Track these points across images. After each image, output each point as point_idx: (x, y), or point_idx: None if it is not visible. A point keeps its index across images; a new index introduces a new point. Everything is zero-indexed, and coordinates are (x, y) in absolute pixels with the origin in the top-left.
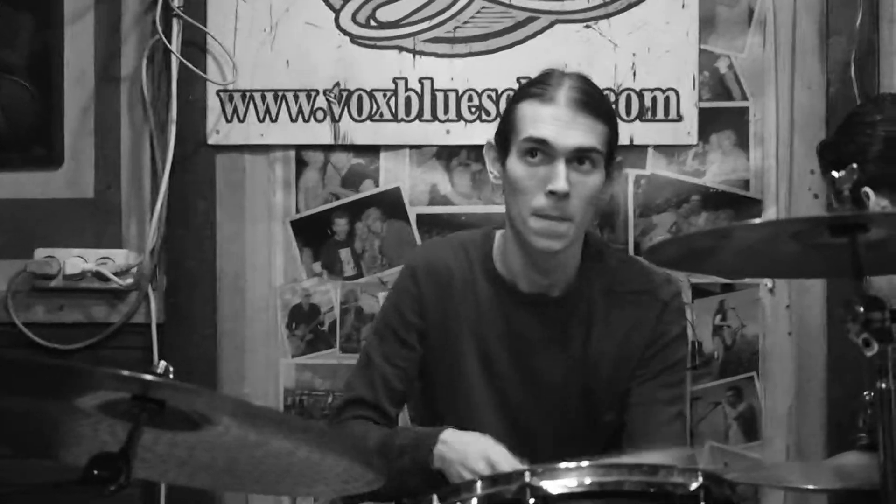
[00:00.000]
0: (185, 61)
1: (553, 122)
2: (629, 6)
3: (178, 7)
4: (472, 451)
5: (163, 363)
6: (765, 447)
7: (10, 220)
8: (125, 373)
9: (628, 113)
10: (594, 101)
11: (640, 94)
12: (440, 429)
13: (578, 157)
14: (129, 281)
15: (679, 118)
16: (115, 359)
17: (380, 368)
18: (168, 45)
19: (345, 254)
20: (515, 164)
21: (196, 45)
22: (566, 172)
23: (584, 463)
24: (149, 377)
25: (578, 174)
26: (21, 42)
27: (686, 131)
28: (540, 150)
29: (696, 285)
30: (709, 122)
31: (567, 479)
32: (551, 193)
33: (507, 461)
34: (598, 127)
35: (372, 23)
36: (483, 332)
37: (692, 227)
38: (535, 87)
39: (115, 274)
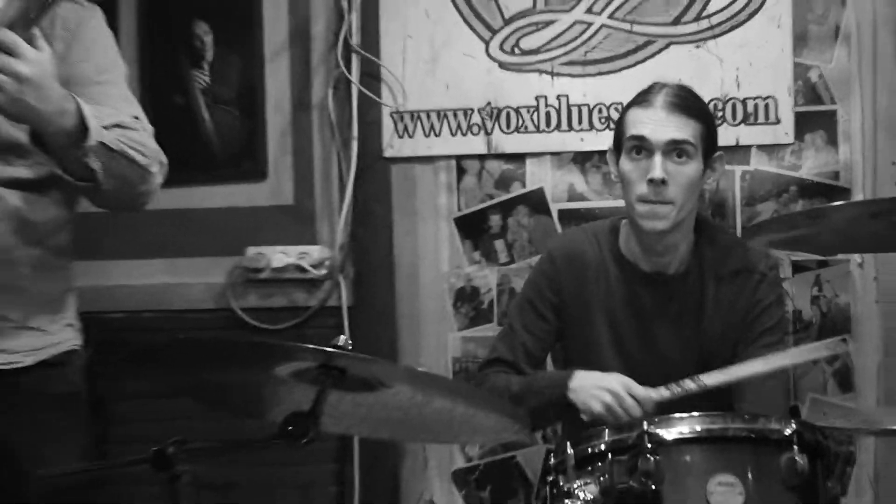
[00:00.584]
0: (363, 89)
1: (650, 121)
2: (732, 28)
3: (357, 44)
4: (597, 383)
5: (342, 337)
6: (858, 398)
7: (226, 224)
8: (310, 346)
9: (734, 118)
10: (686, 103)
11: (744, 102)
12: (571, 371)
13: (675, 149)
14: (324, 272)
15: (777, 121)
16: (314, 336)
17: (520, 336)
18: (349, 77)
19: (499, 244)
20: (624, 161)
21: (372, 75)
22: (663, 163)
23: (695, 413)
24: (330, 349)
25: (675, 164)
26: (231, 78)
27: (784, 132)
28: (641, 146)
29: (796, 262)
30: (803, 123)
31: (680, 426)
32: (650, 181)
33: (634, 385)
34: (690, 123)
35: (516, 51)
36: (612, 305)
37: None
38: (639, 97)
39: (312, 266)
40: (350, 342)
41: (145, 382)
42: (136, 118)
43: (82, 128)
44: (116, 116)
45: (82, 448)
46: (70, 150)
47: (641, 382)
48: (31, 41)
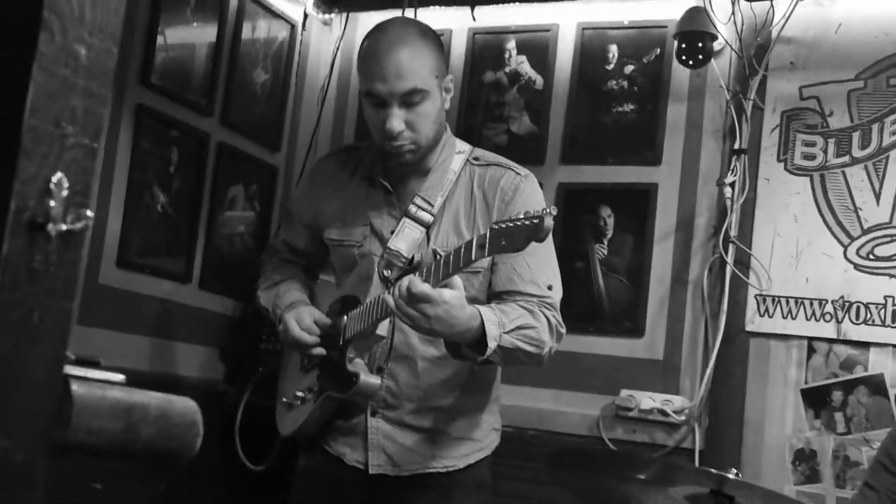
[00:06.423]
0: (737, 272)
1: None
2: None
3: (734, 236)
4: None
5: (733, 469)
6: None
7: (606, 369)
8: (713, 471)
9: None
10: None
11: None
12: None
13: None
14: (682, 418)
15: None
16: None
17: (869, 492)
18: (726, 260)
19: (838, 416)
20: None
21: (742, 263)
22: None
23: None
24: (730, 475)
25: None
26: (624, 253)
27: None
28: None
29: None
30: None
31: None
32: None
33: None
34: None
35: (871, 256)
36: None
37: None
38: None
39: (674, 412)
40: (739, 474)
41: (528, 472)
42: (550, 287)
43: (485, 337)
44: (521, 319)
45: None
46: (475, 351)
47: None
48: (450, 284)
